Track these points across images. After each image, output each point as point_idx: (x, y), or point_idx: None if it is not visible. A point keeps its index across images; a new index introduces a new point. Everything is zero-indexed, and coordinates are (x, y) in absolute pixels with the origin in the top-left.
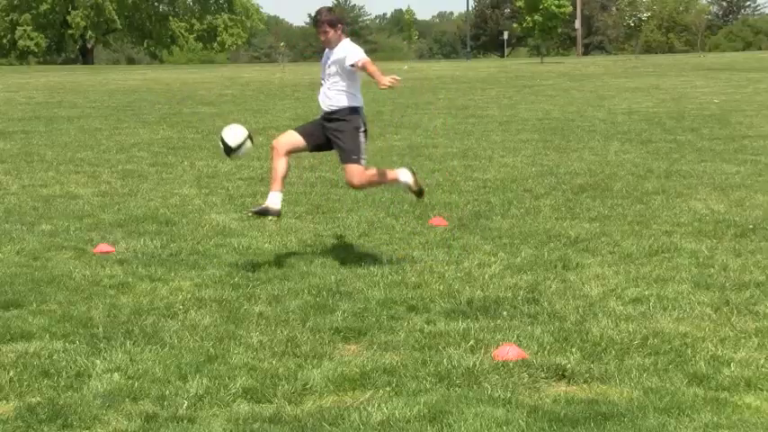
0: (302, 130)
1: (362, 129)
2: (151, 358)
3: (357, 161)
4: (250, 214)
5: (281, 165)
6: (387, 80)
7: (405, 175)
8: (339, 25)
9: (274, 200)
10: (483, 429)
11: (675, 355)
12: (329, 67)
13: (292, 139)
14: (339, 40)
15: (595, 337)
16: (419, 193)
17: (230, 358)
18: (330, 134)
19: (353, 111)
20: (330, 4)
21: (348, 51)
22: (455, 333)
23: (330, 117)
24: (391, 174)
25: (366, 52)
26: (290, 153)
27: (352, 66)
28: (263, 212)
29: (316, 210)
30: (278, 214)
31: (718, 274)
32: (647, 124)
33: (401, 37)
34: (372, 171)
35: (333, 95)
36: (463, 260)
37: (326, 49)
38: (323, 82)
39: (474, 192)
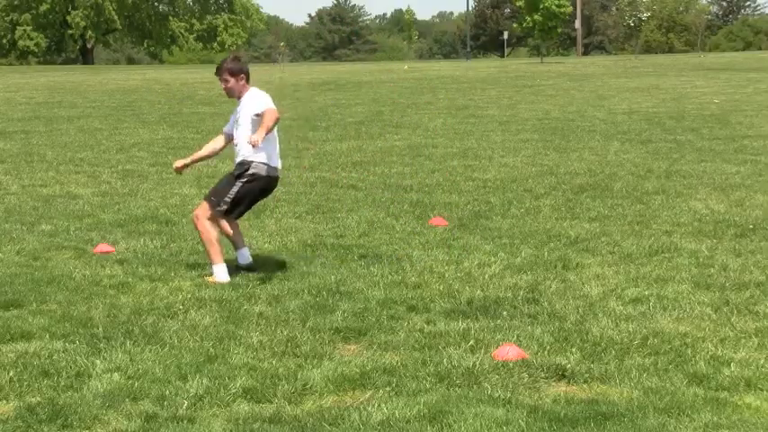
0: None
1: (244, 179)
2: (151, 358)
3: (216, 204)
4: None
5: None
6: (256, 138)
7: (221, 274)
8: (242, 75)
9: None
10: (483, 429)
11: (675, 355)
12: (238, 118)
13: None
14: (243, 90)
15: (595, 337)
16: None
17: (230, 358)
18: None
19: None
20: (234, 56)
21: (256, 100)
22: (455, 333)
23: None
24: (215, 255)
25: (366, 52)
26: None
27: (257, 115)
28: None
29: (316, 210)
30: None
31: (718, 274)
32: (647, 124)
33: (401, 37)
34: (211, 232)
35: (242, 147)
36: (463, 260)
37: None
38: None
39: (474, 192)
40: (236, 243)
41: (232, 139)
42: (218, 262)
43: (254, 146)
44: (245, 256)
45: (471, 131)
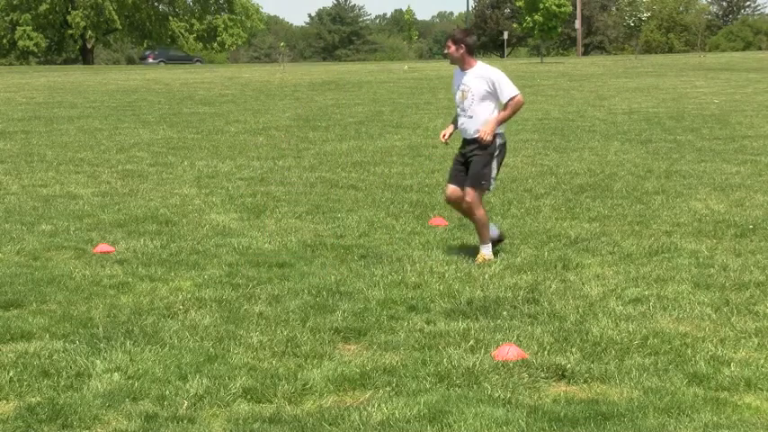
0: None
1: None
2: (151, 358)
3: (487, 186)
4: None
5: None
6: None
7: (490, 253)
8: (461, 45)
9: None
10: (483, 429)
11: (675, 355)
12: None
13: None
14: (468, 62)
15: (595, 337)
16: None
17: (230, 358)
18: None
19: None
20: (464, 28)
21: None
22: (455, 333)
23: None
24: (488, 236)
25: (366, 52)
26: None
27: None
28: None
29: (316, 210)
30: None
31: (718, 274)
32: (647, 124)
33: (401, 37)
34: (485, 215)
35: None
36: (463, 260)
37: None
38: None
39: None
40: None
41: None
42: (489, 242)
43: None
44: (494, 230)
45: None
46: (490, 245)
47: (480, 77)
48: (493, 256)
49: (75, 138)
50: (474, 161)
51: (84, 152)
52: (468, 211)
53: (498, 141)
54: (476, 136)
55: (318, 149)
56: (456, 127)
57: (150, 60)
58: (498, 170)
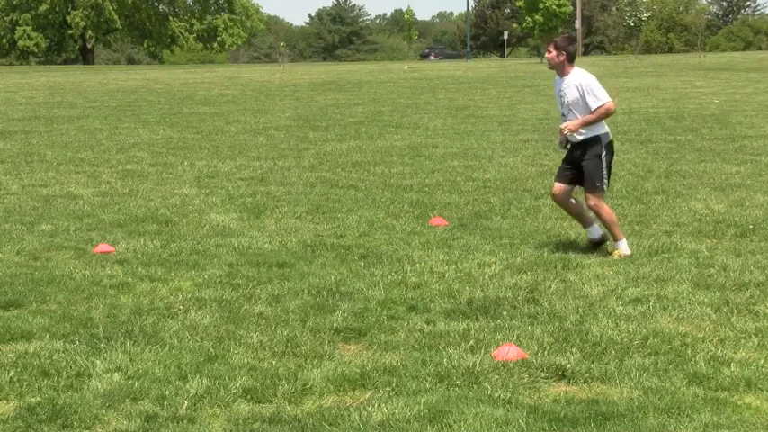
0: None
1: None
2: (151, 358)
3: (601, 188)
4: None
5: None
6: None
7: (625, 248)
8: (563, 53)
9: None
10: (483, 429)
11: (675, 355)
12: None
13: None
14: (566, 68)
15: (595, 337)
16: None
17: (230, 358)
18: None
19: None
20: (568, 35)
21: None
22: (455, 333)
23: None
24: (619, 232)
25: (366, 52)
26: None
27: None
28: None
29: (316, 210)
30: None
31: (718, 274)
32: (647, 124)
33: (401, 37)
34: (612, 213)
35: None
36: (463, 260)
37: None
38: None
39: (474, 192)
40: (586, 222)
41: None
42: (622, 237)
43: (568, 130)
44: (597, 231)
45: (471, 131)
46: (624, 241)
47: (573, 85)
48: (629, 251)
49: (75, 138)
50: (585, 168)
51: (84, 152)
52: (595, 214)
53: (604, 141)
54: (580, 139)
55: (318, 149)
56: None
57: (432, 58)
58: (610, 168)
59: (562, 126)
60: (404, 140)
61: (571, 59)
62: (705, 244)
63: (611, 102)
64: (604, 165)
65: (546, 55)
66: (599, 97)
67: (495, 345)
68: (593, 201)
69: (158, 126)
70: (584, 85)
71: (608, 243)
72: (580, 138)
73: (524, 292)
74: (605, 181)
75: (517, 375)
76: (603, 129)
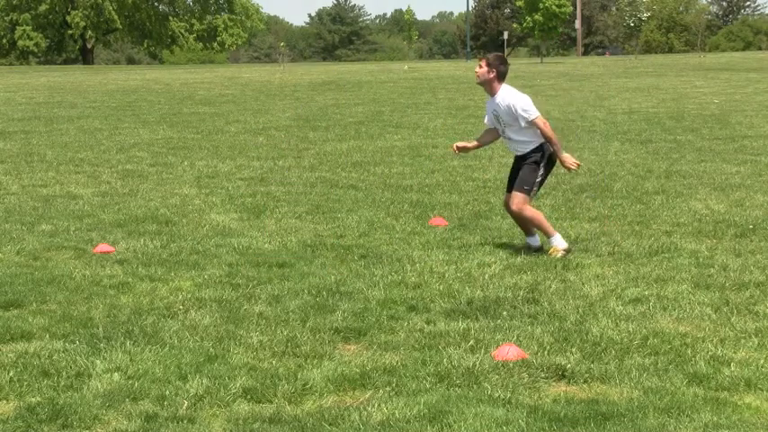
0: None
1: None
2: (151, 358)
3: (528, 191)
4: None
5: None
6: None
7: (560, 242)
8: (493, 69)
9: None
10: (483, 429)
11: (675, 355)
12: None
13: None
14: (495, 86)
15: (595, 337)
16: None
17: (230, 358)
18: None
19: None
20: (500, 55)
21: (510, 101)
22: (455, 333)
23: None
24: (549, 228)
25: (366, 52)
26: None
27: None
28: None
29: (316, 210)
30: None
31: (718, 274)
32: (647, 124)
33: (401, 37)
34: (536, 212)
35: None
36: (463, 260)
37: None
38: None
39: (474, 192)
40: (528, 230)
41: (496, 134)
42: (554, 233)
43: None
44: (536, 240)
45: (471, 131)
46: (557, 235)
47: (505, 105)
48: (565, 244)
49: (75, 138)
50: (521, 170)
51: (84, 152)
52: (516, 215)
53: (546, 151)
54: (521, 153)
55: (318, 149)
56: (476, 144)
57: (607, 55)
58: (544, 180)
59: (571, 165)
60: (404, 140)
61: (501, 78)
62: (705, 244)
63: (539, 117)
64: (540, 173)
65: (476, 70)
66: (533, 112)
67: (495, 345)
68: (516, 203)
69: (158, 126)
70: (513, 104)
71: (548, 246)
72: (526, 150)
73: (524, 292)
74: (535, 189)
75: (517, 375)
76: (542, 139)
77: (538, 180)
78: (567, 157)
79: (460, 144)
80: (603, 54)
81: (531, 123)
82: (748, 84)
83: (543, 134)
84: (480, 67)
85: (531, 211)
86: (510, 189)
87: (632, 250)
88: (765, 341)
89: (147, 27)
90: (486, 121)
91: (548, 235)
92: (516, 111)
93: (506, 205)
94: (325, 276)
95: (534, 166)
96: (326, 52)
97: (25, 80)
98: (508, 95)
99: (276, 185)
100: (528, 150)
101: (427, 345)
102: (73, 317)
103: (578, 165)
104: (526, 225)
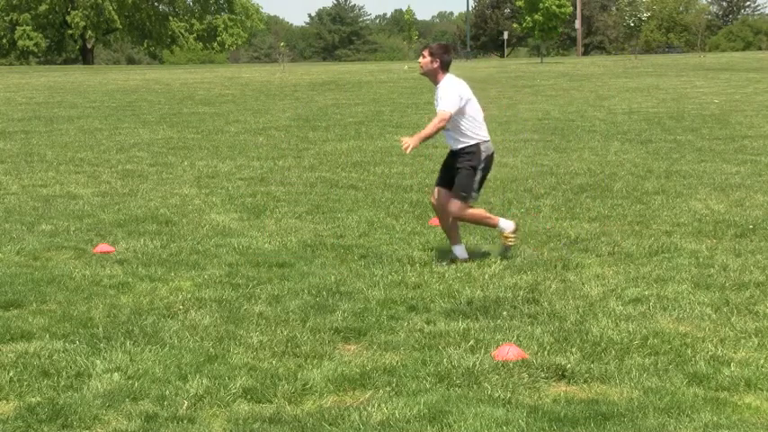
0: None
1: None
2: (151, 358)
3: (466, 198)
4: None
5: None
6: (407, 145)
7: (506, 224)
8: (436, 59)
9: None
10: (483, 429)
11: (675, 355)
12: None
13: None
14: (438, 76)
15: (595, 337)
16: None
17: (230, 358)
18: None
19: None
20: (445, 43)
21: (440, 93)
22: (455, 333)
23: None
24: (493, 220)
25: (366, 52)
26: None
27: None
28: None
29: (316, 210)
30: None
31: (718, 274)
32: (647, 124)
33: (401, 37)
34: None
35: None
36: (463, 260)
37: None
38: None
39: None
40: (453, 238)
41: None
42: (497, 220)
43: (405, 150)
44: (462, 251)
45: None
46: (502, 219)
47: (442, 88)
48: (513, 226)
49: (75, 138)
50: (457, 175)
51: (84, 152)
52: (444, 216)
53: (484, 154)
54: (455, 148)
55: (318, 149)
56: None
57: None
58: (483, 182)
59: (403, 143)
60: None
61: (444, 67)
62: (705, 244)
63: (449, 113)
64: (477, 178)
65: (419, 60)
66: (442, 105)
67: (495, 345)
68: (454, 211)
69: (158, 126)
70: (439, 90)
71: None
72: (459, 146)
73: (524, 292)
74: (474, 195)
75: (517, 375)
76: (484, 137)
77: (475, 186)
78: (405, 140)
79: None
80: (669, 53)
81: (438, 116)
82: (748, 84)
83: (433, 127)
84: (423, 57)
85: (469, 214)
86: (439, 183)
87: (632, 250)
88: (765, 341)
89: (147, 27)
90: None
91: (493, 225)
92: (438, 97)
93: (434, 200)
94: (325, 276)
95: (470, 171)
96: (326, 52)
97: (25, 80)
98: (443, 84)
99: (276, 185)
100: (460, 147)
101: (427, 345)
102: (73, 317)
103: (407, 148)
104: (452, 231)
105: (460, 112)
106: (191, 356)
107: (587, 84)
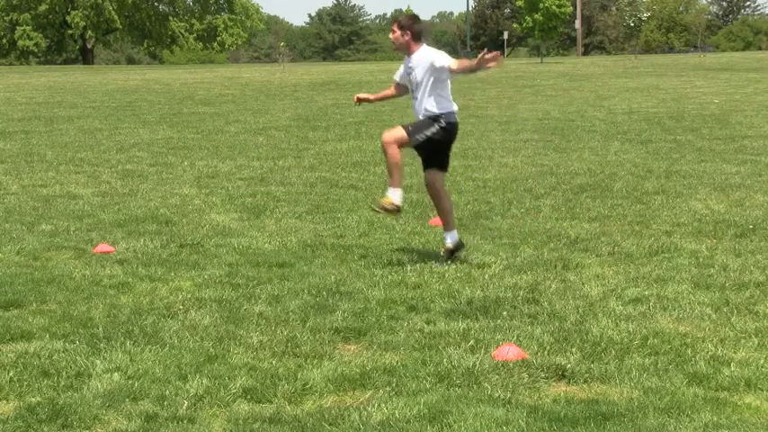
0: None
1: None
2: (151, 358)
3: (412, 134)
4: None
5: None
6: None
7: (396, 197)
8: (408, 31)
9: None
10: (483, 429)
11: (675, 355)
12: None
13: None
14: (413, 47)
15: (595, 337)
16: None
17: (230, 358)
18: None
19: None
20: (412, 15)
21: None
22: (455, 333)
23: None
24: (399, 180)
25: (366, 52)
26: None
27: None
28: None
29: (316, 210)
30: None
31: (718, 274)
32: (647, 124)
33: None
34: (398, 156)
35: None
36: (463, 260)
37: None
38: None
39: (474, 192)
40: (446, 221)
41: (402, 91)
42: (397, 187)
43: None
44: (454, 238)
45: (471, 131)
46: (399, 191)
47: (422, 61)
48: (398, 202)
49: (75, 138)
50: (422, 121)
51: (84, 152)
52: (382, 146)
53: (447, 119)
54: (422, 117)
55: (318, 149)
56: (378, 97)
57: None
58: (431, 140)
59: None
60: None
61: (417, 38)
62: (705, 244)
63: (455, 63)
64: (434, 129)
65: (390, 36)
66: (443, 58)
67: (495, 345)
68: (390, 136)
69: (158, 126)
70: (432, 60)
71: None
72: (428, 114)
73: (524, 292)
74: (418, 137)
75: (517, 375)
76: (450, 108)
77: (426, 135)
78: (480, 60)
79: (362, 95)
80: (697, 52)
81: (448, 69)
82: (748, 84)
83: (462, 69)
84: (393, 32)
85: (393, 152)
86: (425, 167)
87: (632, 250)
88: (765, 341)
89: (147, 27)
90: (396, 76)
91: (390, 184)
92: (435, 65)
93: (427, 186)
94: (325, 276)
95: (430, 122)
96: (326, 52)
97: (25, 80)
98: (428, 53)
99: (276, 185)
100: (435, 114)
101: (427, 345)
102: (73, 317)
103: (496, 56)
104: (445, 214)
105: (441, 80)
106: (191, 356)
107: (587, 84)
